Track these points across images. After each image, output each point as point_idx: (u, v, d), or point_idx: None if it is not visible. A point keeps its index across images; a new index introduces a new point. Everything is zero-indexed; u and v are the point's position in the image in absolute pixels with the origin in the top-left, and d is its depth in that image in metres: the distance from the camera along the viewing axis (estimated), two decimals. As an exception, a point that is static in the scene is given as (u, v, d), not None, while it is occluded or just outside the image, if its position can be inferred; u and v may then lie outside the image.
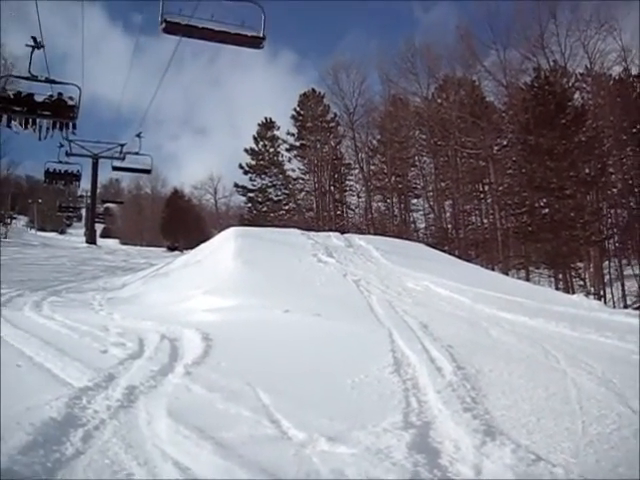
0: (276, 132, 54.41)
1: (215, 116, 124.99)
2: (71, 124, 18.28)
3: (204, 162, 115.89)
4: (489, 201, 41.60)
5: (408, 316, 7.78)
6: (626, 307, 27.64)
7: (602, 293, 30.29)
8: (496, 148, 39.81)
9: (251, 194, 54.91)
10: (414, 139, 46.73)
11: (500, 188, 37.79)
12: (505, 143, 40.01)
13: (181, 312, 8.60)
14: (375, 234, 31.75)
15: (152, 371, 5.12)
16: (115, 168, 38.65)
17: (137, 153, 35.73)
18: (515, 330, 7.07)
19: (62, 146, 34.23)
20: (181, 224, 60.52)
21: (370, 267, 12.63)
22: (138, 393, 4.54)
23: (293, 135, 53.21)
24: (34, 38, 16.43)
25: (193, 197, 73.15)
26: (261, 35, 12.46)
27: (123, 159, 37.88)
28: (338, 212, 52.77)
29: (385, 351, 5.84)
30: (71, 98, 17.45)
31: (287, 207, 54.96)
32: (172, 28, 12.28)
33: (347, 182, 54.16)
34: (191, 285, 10.67)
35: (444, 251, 23.26)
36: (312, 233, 17.75)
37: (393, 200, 48.51)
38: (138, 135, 34.82)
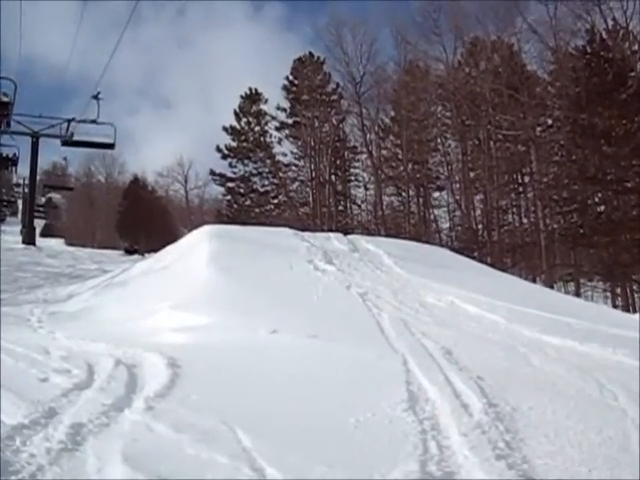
0: (263, 106, 54.26)
1: (183, 85, 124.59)
2: (5, 121, 18.31)
3: (171, 143, 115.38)
4: (530, 196, 41.60)
5: (427, 339, 7.78)
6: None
7: (672, 312, 30.37)
8: (539, 129, 39.80)
9: (231, 184, 54.87)
10: (436, 117, 46.82)
11: (544, 179, 37.77)
12: (550, 123, 40.01)
13: (142, 331, 8.58)
14: (387, 236, 31.81)
15: (104, 405, 5.11)
16: (66, 143, 36.95)
17: (95, 122, 34.05)
18: (562, 357, 7.08)
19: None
20: (142, 221, 60.41)
21: (380, 277, 12.63)
22: (86, 433, 4.53)
23: (285, 110, 53.20)
24: None
25: (158, 187, 73.24)
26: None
27: (71, 137, 37.13)
28: (340, 207, 52.82)
29: (398, 383, 5.84)
30: (5, 94, 17.50)
31: (276, 200, 55.00)
32: None
33: (352, 170, 54.23)
34: (155, 298, 10.65)
35: (473, 258, 23.28)
36: (307, 233, 17.72)
37: (409, 193, 48.53)
38: (96, 97, 32.00)
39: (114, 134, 35.71)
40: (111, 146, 37.42)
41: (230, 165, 54.53)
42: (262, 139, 54.17)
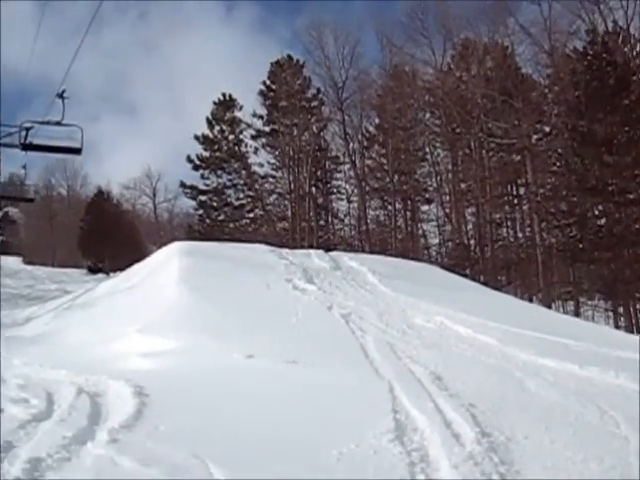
0: (238, 113, 54.15)
1: (150, 91, 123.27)
2: None
3: (138, 153, 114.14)
4: (525, 208, 41.83)
5: (415, 364, 7.79)
6: None
7: (678, 333, 30.55)
8: (535, 137, 40.06)
9: (203, 197, 54.70)
10: (424, 124, 46.98)
11: (541, 191, 38.01)
12: (548, 130, 40.32)
13: (106, 357, 8.55)
14: (372, 252, 31.88)
15: (64, 438, 5.07)
16: (26, 147, 37.12)
17: (60, 123, 34.19)
18: (560, 382, 7.11)
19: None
20: (107, 237, 60.01)
21: (364, 297, 12.65)
22: (45, 468, 4.49)
23: (261, 118, 53.13)
24: None
25: (124, 200, 72.84)
26: None
27: (28, 147, 37.07)
28: (321, 222, 52.77)
29: (384, 411, 5.84)
30: None
31: (252, 215, 54.87)
32: None
33: (334, 182, 54.18)
34: (120, 320, 10.62)
35: (465, 275, 23.35)
36: (286, 250, 17.75)
37: (396, 206, 48.64)
38: (61, 95, 32.68)
39: (81, 138, 35.13)
40: (77, 151, 36.56)
41: (202, 177, 54.29)
42: (237, 148, 54.10)
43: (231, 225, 53.25)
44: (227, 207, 54.95)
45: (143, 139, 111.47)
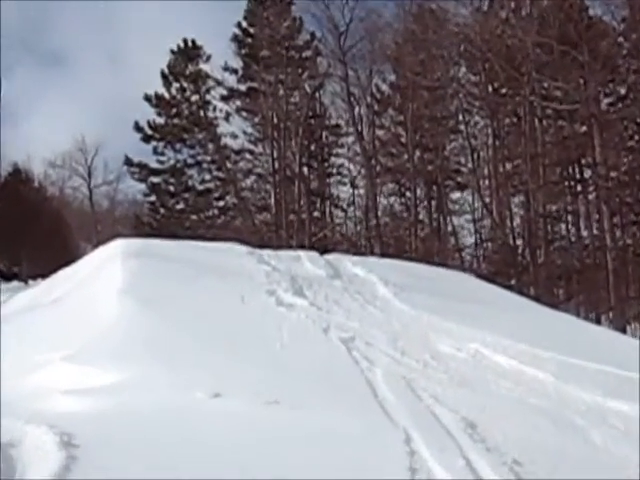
0: (204, 66, 53.71)
1: (81, 34, 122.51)
2: None
3: (67, 118, 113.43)
4: (592, 197, 41.91)
5: (441, 406, 7.82)
6: None
7: None
8: (606, 101, 40.15)
9: (156, 178, 54.56)
10: (457, 84, 47.01)
11: (613, 174, 38.09)
12: (624, 92, 40.39)
13: (22, 394, 8.54)
14: (383, 255, 31.82)
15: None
16: None
17: None
18: (633, 433, 7.12)
19: None
20: (25, 231, 59.95)
21: (373, 315, 12.66)
22: None
23: (235, 72, 52.94)
24: None
25: (48, 182, 72.74)
26: None
27: None
28: (316, 214, 52.78)
29: (398, 470, 5.87)
30: None
31: (222, 203, 54.88)
32: None
33: (333, 159, 54.30)
34: (42, 344, 10.61)
35: (509, 287, 23.37)
36: (267, 252, 17.77)
37: (417, 194, 48.70)
38: None
39: None
40: None
41: (155, 151, 54.07)
42: (202, 113, 53.81)
43: (193, 217, 53.29)
44: (188, 192, 54.77)
45: (74, 100, 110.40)
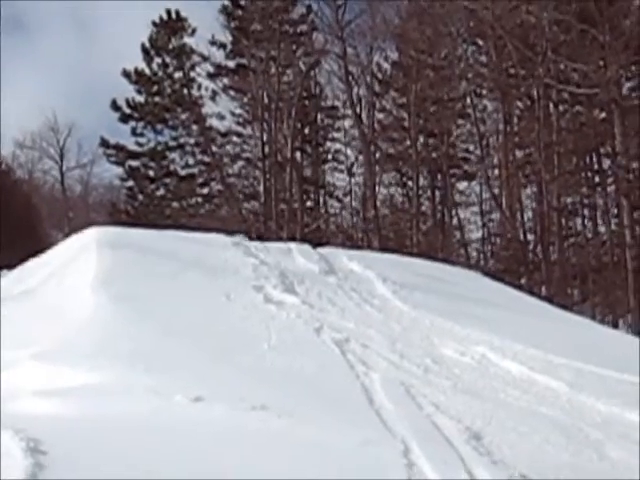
0: (188, 40, 53.60)
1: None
2: None
3: (37, 94, 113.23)
4: (611, 190, 41.96)
5: (443, 415, 7.82)
6: None
7: None
8: (628, 85, 40.17)
9: (135, 162, 54.45)
10: (465, 63, 47.01)
11: (634, 165, 38.12)
12: (646, 76, 40.44)
13: (-15, 396, 8.52)
14: (382, 250, 31.82)
15: None
16: None
17: None
18: (654, 446, 7.13)
19: None
20: (-9, 218, 60.13)
21: (371, 315, 12.66)
22: None
23: (223, 47, 52.81)
24: None
25: (16, 165, 72.59)
26: None
27: None
28: (309, 203, 52.82)
29: (395, 484, 5.85)
30: None
31: (207, 190, 54.84)
32: None
33: (329, 144, 54.30)
34: (8, 341, 10.58)
35: (519, 287, 23.40)
36: (255, 244, 17.75)
37: (420, 183, 48.74)
38: None
39: None
40: None
41: (134, 132, 53.91)
42: (186, 92, 53.74)
43: (175, 204, 53.16)
44: (170, 178, 54.57)
45: (44, 73, 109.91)
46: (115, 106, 53.18)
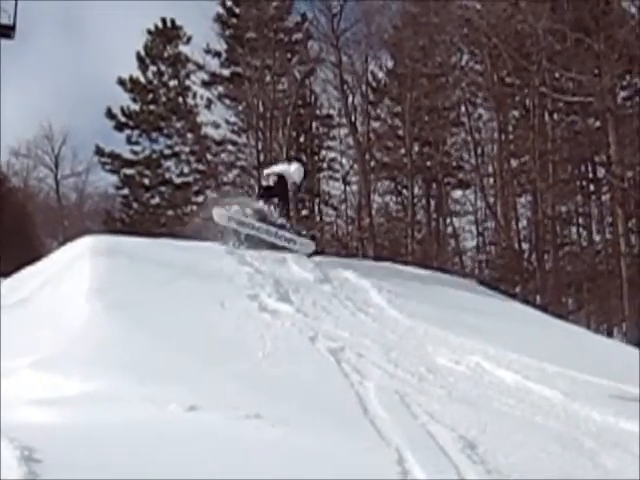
0: (183, 48, 53.67)
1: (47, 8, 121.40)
2: None
3: (31, 101, 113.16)
4: (606, 199, 41.95)
5: (438, 424, 7.80)
6: None
7: None
8: (623, 94, 40.18)
9: (130, 170, 54.39)
10: (460, 72, 47.02)
11: (629, 174, 38.12)
12: (640, 84, 40.46)
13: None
14: (377, 258, 31.85)
15: None
16: None
17: None
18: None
19: None
20: (-15, 227, 60.00)
21: (365, 324, 12.64)
22: None
23: (218, 56, 52.82)
24: None
25: (11, 173, 72.33)
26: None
27: None
28: (304, 211, 52.76)
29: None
30: None
31: (202, 198, 54.72)
32: None
33: (324, 153, 54.25)
34: (5, 350, 10.56)
35: (514, 296, 23.39)
36: (250, 253, 17.73)
37: (415, 192, 48.69)
38: None
39: (14, 13, 32.54)
40: (9, 30, 33.79)
41: (129, 140, 53.96)
42: (181, 100, 53.74)
43: (170, 213, 53.07)
44: (165, 186, 54.54)
45: (39, 81, 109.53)
46: (110, 114, 53.23)
